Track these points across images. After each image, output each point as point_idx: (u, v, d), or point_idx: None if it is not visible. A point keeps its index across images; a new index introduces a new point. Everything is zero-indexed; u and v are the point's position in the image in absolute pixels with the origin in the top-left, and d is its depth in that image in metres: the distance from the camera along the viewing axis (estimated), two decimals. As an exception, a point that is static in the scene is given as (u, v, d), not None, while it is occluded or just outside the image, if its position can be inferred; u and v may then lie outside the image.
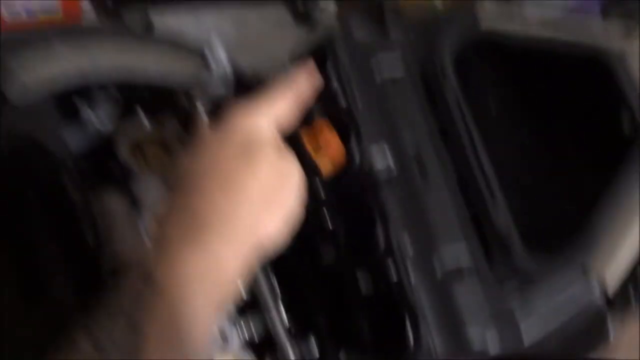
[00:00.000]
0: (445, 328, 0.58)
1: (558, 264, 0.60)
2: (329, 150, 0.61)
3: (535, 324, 0.59)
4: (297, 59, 0.74)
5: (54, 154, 0.66)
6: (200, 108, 0.71)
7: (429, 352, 0.56)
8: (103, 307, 0.42)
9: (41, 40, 0.69)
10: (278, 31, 2.22)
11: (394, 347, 0.58)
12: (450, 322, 0.58)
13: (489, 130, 0.73)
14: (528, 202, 0.80)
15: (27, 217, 0.63)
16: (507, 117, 0.86)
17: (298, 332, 0.69)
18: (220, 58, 0.75)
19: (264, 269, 0.67)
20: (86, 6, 1.82)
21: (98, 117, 0.75)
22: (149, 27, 1.83)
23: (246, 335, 0.66)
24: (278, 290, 0.68)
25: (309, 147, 0.60)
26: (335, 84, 0.69)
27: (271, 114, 0.51)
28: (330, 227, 0.67)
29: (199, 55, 0.75)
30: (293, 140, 0.58)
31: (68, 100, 0.71)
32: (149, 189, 0.75)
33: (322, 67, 0.73)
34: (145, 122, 0.78)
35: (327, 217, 0.68)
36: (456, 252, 0.61)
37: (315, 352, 0.68)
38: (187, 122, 0.83)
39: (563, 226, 0.77)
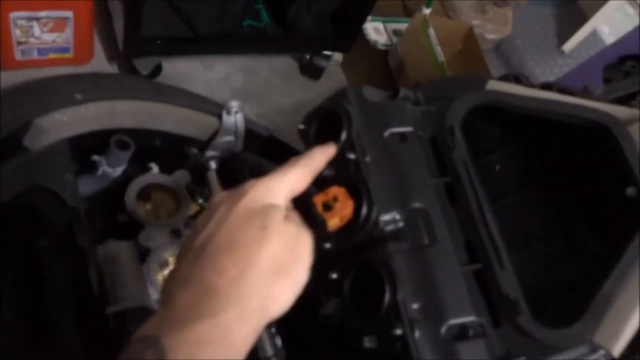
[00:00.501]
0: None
1: (566, 338, 0.59)
2: (341, 212, 0.64)
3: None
4: (310, 115, 0.76)
5: (66, 201, 0.66)
6: (212, 164, 0.72)
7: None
8: None
9: (58, 86, 0.71)
10: (285, 81, 2.28)
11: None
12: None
13: (494, 189, 0.74)
14: (533, 266, 0.80)
15: (37, 262, 0.63)
16: (511, 174, 0.88)
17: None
18: (238, 121, 0.77)
19: (268, 329, 0.66)
20: (97, 47, 1.87)
21: (109, 163, 0.76)
22: (157, 71, 1.87)
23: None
24: (282, 350, 0.67)
25: (319, 207, 0.62)
26: (346, 139, 0.70)
27: (285, 187, 0.52)
28: (335, 278, 0.67)
29: (217, 115, 0.77)
30: (304, 198, 0.60)
31: (81, 146, 0.73)
32: (155, 237, 0.75)
33: (332, 123, 0.75)
34: (156, 170, 0.80)
35: (332, 268, 0.68)
36: (464, 321, 0.61)
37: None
38: (196, 173, 0.85)
39: (568, 291, 0.78)
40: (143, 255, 0.74)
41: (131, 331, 0.43)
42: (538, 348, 0.60)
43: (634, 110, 0.68)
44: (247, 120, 0.82)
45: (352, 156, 0.71)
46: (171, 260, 0.72)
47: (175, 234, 0.77)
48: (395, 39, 2.43)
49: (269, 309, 0.46)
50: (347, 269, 0.68)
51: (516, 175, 0.90)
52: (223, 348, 0.42)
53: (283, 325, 0.74)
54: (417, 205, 0.69)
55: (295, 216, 0.52)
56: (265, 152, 0.81)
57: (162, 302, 0.45)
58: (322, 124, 0.77)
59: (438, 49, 2.15)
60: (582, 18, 2.79)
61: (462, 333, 0.61)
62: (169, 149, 0.79)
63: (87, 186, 0.74)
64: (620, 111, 0.68)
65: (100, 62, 1.85)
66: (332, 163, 0.74)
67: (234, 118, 0.77)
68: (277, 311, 0.47)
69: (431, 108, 0.77)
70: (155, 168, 0.79)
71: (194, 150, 0.81)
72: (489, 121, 0.89)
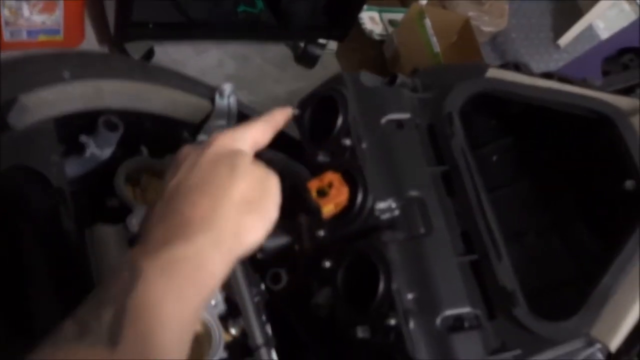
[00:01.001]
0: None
1: (563, 332, 0.58)
2: (336, 199, 0.62)
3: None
4: (304, 101, 0.74)
5: (50, 182, 0.64)
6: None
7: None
8: (90, 298, 0.42)
9: (45, 63, 0.68)
10: (279, 69, 2.25)
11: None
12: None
13: (489, 177, 0.73)
14: (527, 256, 0.79)
15: (19, 245, 0.61)
16: (507, 166, 0.86)
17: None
18: (231, 105, 0.75)
19: (259, 317, 0.65)
20: (88, 31, 1.84)
21: (97, 144, 0.74)
22: (149, 55, 1.84)
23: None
24: (272, 339, 0.66)
25: (314, 193, 0.62)
26: (342, 124, 0.69)
27: (249, 137, 0.56)
28: (328, 266, 0.66)
29: (209, 98, 0.75)
30: (298, 184, 0.60)
31: (68, 127, 0.70)
32: (144, 221, 0.73)
33: (328, 109, 0.73)
34: (145, 153, 0.77)
35: (326, 256, 0.67)
36: (459, 312, 0.60)
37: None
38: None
39: (563, 282, 0.77)
40: (131, 240, 0.72)
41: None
42: (534, 341, 0.59)
43: (636, 100, 0.66)
44: (240, 104, 0.80)
45: (347, 142, 0.70)
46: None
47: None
48: (390, 29, 2.41)
49: (241, 238, 0.48)
50: (340, 258, 0.66)
51: (512, 167, 0.88)
52: (196, 267, 0.44)
53: (274, 314, 0.73)
54: (413, 193, 0.68)
55: (261, 164, 0.55)
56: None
57: (139, 240, 0.47)
58: (318, 110, 0.76)
59: (434, 40, 2.13)
60: (577, 13, 2.79)
61: (457, 324, 0.60)
62: (160, 132, 0.77)
63: (74, 168, 0.72)
64: (622, 102, 0.66)
65: (91, 45, 1.81)
66: (328, 149, 0.73)
67: (227, 101, 0.75)
68: (249, 242, 0.49)
69: (429, 95, 0.75)
70: (145, 151, 0.76)
71: (186, 134, 0.79)
72: (486, 112, 0.88)
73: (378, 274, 0.62)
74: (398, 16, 2.42)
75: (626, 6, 2.92)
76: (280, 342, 0.70)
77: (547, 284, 0.74)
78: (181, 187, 0.49)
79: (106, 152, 0.74)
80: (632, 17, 2.48)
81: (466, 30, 2.29)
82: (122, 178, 0.74)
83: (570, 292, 0.66)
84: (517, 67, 0.77)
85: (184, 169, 0.50)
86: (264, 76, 2.09)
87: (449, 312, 0.60)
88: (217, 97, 0.74)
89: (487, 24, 2.49)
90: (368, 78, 0.76)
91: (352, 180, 0.67)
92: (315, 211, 0.63)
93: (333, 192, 0.63)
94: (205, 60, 2.02)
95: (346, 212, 0.66)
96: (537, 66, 2.63)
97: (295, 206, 0.63)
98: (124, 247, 0.69)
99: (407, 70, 0.87)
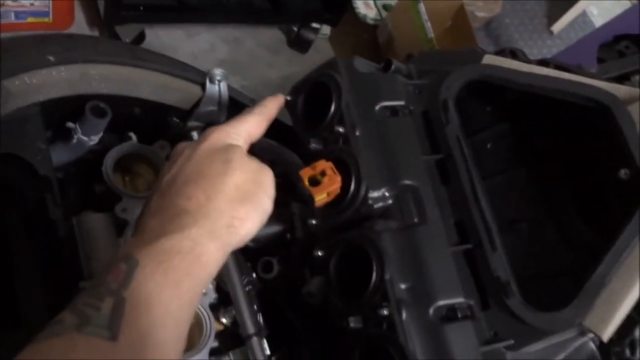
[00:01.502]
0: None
1: (556, 322, 0.58)
2: (329, 187, 0.62)
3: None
4: (297, 86, 0.72)
5: (37, 169, 0.62)
6: (194, 135, 0.69)
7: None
8: (88, 289, 0.42)
9: (28, 47, 0.66)
10: (272, 53, 2.22)
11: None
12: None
13: (483, 164, 0.72)
14: (521, 245, 0.79)
15: (5, 234, 0.59)
16: (502, 154, 0.85)
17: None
18: (222, 90, 0.73)
19: (251, 307, 0.64)
20: (78, 13, 1.80)
21: (84, 131, 0.72)
22: (140, 39, 1.81)
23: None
24: (264, 328, 0.65)
25: (306, 181, 0.61)
26: (335, 111, 0.68)
27: (243, 131, 0.56)
28: (321, 255, 0.65)
29: (200, 83, 0.73)
30: (292, 173, 0.60)
31: (54, 113, 0.69)
32: (133, 209, 0.72)
33: (321, 95, 0.72)
34: (135, 139, 0.76)
35: (318, 245, 0.66)
36: (452, 303, 0.59)
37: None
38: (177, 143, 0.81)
39: (556, 271, 0.76)
40: (120, 228, 0.71)
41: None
42: (527, 331, 0.58)
43: (634, 89, 0.65)
44: (231, 89, 0.79)
45: (341, 130, 0.68)
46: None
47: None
48: (384, 14, 2.38)
49: (236, 229, 0.48)
50: (333, 247, 0.65)
51: (507, 155, 0.88)
52: (192, 259, 0.44)
53: (265, 303, 0.72)
54: (407, 182, 0.67)
55: (255, 158, 0.55)
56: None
57: (135, 232, 0.48)
58: (310, 96, 0.74)
59: (428, 25, 2.11)
60: (572, -1, 2.77)
61: (450, 315, 0.60)
62: (149, 118, 0.75)
63: (61, 155, 0.70)
64: (619, 90, 0.65)
65: (80, 28, 1.78)
66: (321, 136, 0.72)
67: (218, 87, 0.73)
68: (244, 233, 0.49)
69: (424, 82, 0.74)
70: (134, 138, 0.75)
71: (175, 120, 0.77)
72: (481, 98, 0.86)
73: (371, 264, 0.61)
74: (392, 1, 2.39)
75: (620, -7, 2.90)
76: (271, 331, 0.70)
77: (542, 273, 0.74)
78: (176, 181, 0.49)
79: (94, 139, 0.72)
80: (626, 4, 2.46)
81: (460, 15, 2.27)
82: (111, 165, 0.73)
83: (565, 282, 0.66)
84: (514, 53, 0.75)
85: (179, 163, 0.51)
86: (257, 60, 2.06)
87: (442, 303, 0.60)
88: (207, 82, 0.73)
89: (481, 10, 2.47)
90: (362, 64, 0.74)
91: (345, 168, 0.66)
92: (308, 200, 0.62)
93: (326, 180, 0.62)
94: (196, 44, 1.98)
95: (339, 201, 0.65)
96: (531, 52, 2.62)
97: (287, 195, 0.62)
98: (112, 235, 0.68)
99: (401, 55, 0.85)
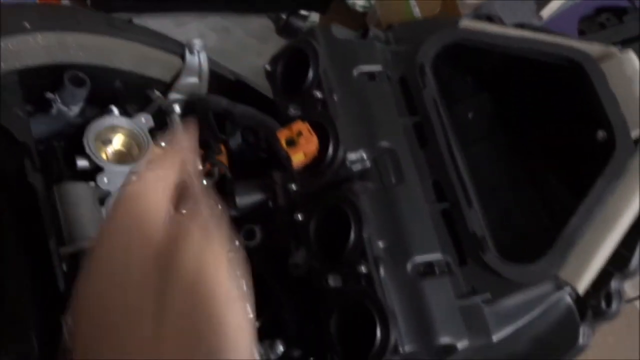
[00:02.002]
0: (413, 324, 0.56)
1: (530, 274, 0.58)
2: (305, 147, 0.62)
3: (503, 321, 0.58)
4: (276, 56, 0.73)
5: (16, 138, 0.63)
6: (176, 107, 0.69)
7: (397, 347, 0.54)
8: None
9: (3, 12, 0.66)
10: (261, 42, 2.21)
11: (362, 346, 0.56)
12: (419, 317, 0.56)
13: (465, 134, 0.73)
14: (501, 209, 0.79)
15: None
16: (483, 123, 0.86)
17: (265, 337, 0.67)
18: (202, 61, 0.73)
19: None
20: (65, 2, 1.79)
21: (64, 101, 0.72)
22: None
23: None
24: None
25: (283, 142, 0.62)
26: (312, 76, 0.68)
27: (165, 184, 0.39)
28: (301, 219, 0.66)
29: (179, 54, 0.73)
30: (269, 134, 0.60)
31: (32, 82, 0.69)
32: (115, 180, 0.72)
33: (301, 62, 0.72)
34: (116, 112, 0.76)
35: (298, 209, 0.67)
36: (430, 259, 0.60)
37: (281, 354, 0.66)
38: (159, 117, 0.81)
39: (535, 233, 0.77)
40: (102, 199, 0.71)
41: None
42: (503, 285, 0.59)
43: (610, 47, 0.66)
44: (212, 62, 0.79)
45: (319, 95, 0.69)
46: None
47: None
48: (373, 1, 2.38)
49: None
50: (313, 210, 0.66)
51: (488, 124, 0.88)
52: None
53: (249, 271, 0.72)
54: (385, 144, 0.67)
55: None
56: (232, 96, 0.78)
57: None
58: (290, 64, 0.75)
59: (417, 12, 2.11)
60: (561, -16, 2.77)
61: (427, 271, 0.60)
62: (130, 91, 0.76)
63: (41, 126, 0.70)
64: (593, 48, 0.66)
65: (67, 18, 1.78)
66: (299, 102, 0.72)
67: (198, 57, 0.73)
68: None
69: (402, 47, 0.74)
70: (115, 110, 0.75)
71: (157, 92, 0.77)
72: (461, 67, 0.87)
73: (349, 224, 0.62)
74: (381, -12, 2.39)
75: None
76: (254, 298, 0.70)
77: (520, 234, 0.74)
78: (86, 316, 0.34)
79: (74, 110, 0.72)
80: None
81: (449, 1, 2.28)
82: (92, 137, 0.73)
83: (543, 241, 0.66)
84: (490, 18, 0.76)
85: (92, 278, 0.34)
86: (246, 49, 2.06)
87: (420, 259, 0.60)
88: (186, 53, 0.73)
89: (470, -4, 2.47)
90: (340, 31, 0.75)
91: (324, 131, 0.66)
92: (285, 160, 0.63)
93: (302, 140, 0.62)
94: (185, 32, 1.98)
95: (318, 164, 0.66)
96: (521, 38, 2.62)
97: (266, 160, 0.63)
98: (94, 202, 0.68)
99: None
